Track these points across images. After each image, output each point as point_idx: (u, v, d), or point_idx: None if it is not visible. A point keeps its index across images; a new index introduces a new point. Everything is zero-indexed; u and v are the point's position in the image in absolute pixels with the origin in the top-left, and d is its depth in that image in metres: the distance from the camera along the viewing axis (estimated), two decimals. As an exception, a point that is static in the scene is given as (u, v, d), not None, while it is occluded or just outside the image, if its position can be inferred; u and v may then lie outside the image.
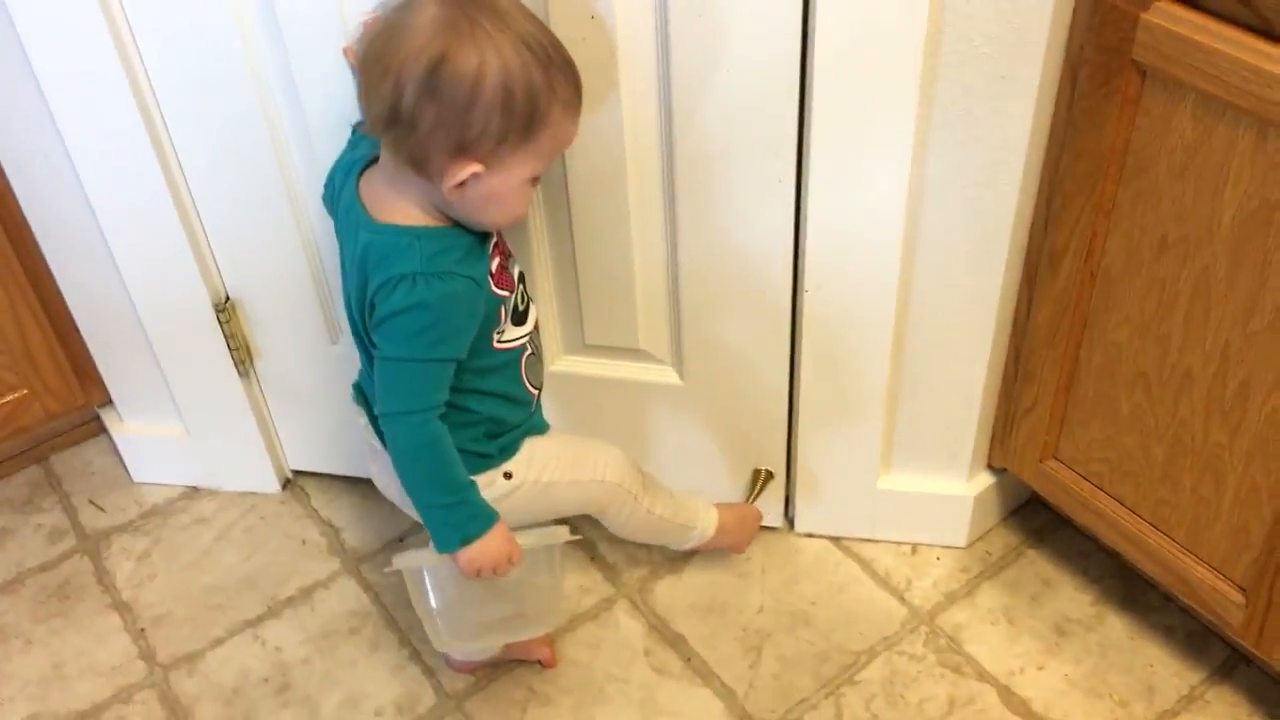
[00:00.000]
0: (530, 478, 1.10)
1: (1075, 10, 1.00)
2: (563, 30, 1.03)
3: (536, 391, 1.11)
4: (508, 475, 1.09)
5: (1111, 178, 1.05)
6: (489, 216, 0.96)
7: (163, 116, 1.19)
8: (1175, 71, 0.94)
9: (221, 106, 1.17)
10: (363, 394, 1.11)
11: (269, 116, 1.17)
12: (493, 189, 0.92)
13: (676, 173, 1.12)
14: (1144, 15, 0.94)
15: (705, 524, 1.30)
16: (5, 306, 1.36)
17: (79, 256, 1.33)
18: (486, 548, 1.01)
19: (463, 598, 1.12)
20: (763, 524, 1.41)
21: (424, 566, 1.10)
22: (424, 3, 0.88)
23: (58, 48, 1.13)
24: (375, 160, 0.99)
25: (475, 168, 0.90)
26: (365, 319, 0.97)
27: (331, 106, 1.12)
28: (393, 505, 1.31)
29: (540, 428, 1.14)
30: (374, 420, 1.07)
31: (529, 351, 1.08)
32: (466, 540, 1.01)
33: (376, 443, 1.08)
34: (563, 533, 1.11)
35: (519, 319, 1.05)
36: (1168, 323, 1.07)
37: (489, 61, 0.87)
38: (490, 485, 1.08)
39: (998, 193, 1.10)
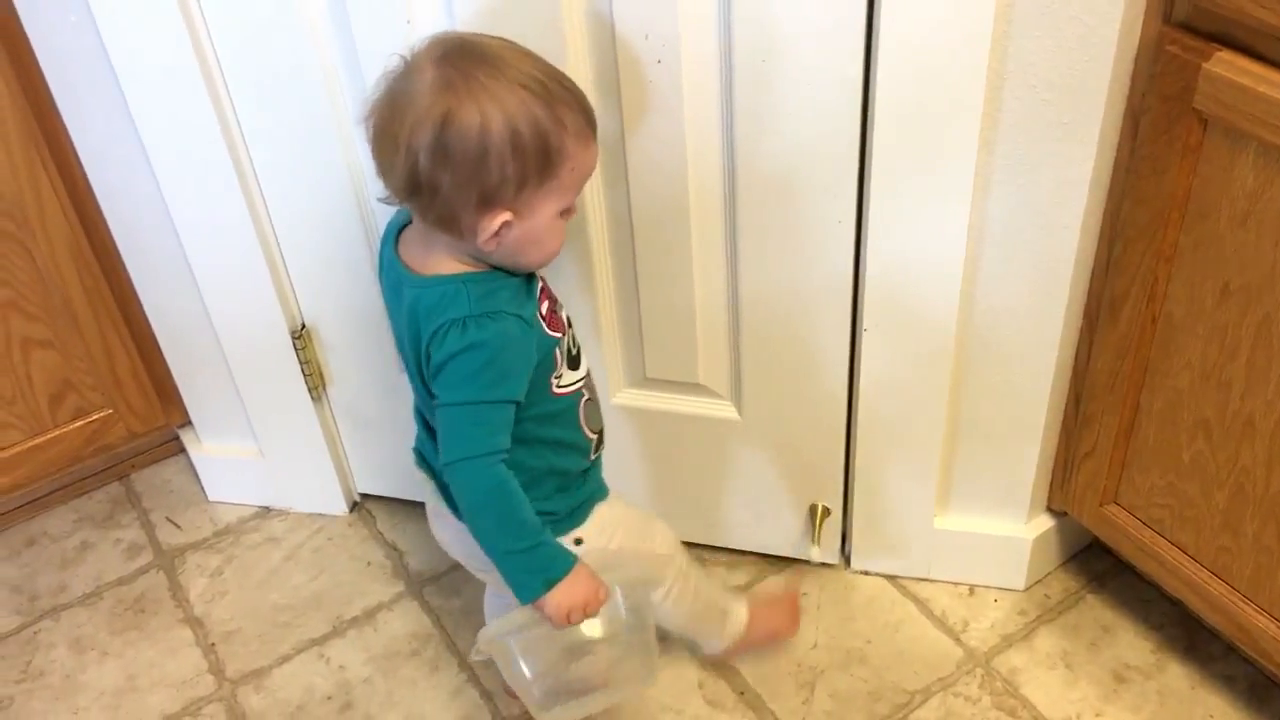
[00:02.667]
0: (599, 544, 1.09)
1: (1137, 59, 1.01)
2: (628, 74, 1.07)
3: (595, 436, 1.09)
4: (578, 541, 1.08)
5: (1173, 224, 1.05)
6: (529, 258, 0.96)
7: (246, 146, 1.25)
8: (1237, 121, 0.94)
9: (301, 136, 1.22)
10: (424, 459, 1.10)
11: (346, 145, 1.22)
12: (526, 232, 0.93)
13: (738, 212, 1.15)
14: (1206, 65, 0.95)
15: (736, 613, 1.27)
16: (95, 331, 1.42)
17: (165, 283, 1.39)
18: (573, 588, 0.98)
19: (554, 660, 1.06)
20: (819, 561, 1.42)
21: (510, 638, 1.04)
22: (420, 68, 0.89)
23: (147, 80, 1.19)
24: (410, 222, 1.00)
25: (504, 216, 0.91)
26: (424, 372, 0.98)
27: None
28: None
29: (603, 490, 1.13)
30: (440, 485, 1.06)
31: (586, 396, 1.07)
32: (550, 583, 0.97)
33: (443, 506, 1.07)
34: (644, 587, 1.08)
35: (573, 363, 1.05)
36: (1230, 369, 1.06)
37: (490, 113, 0.87)
38: None
39: (1058, 238, 1.11)
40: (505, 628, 1.03)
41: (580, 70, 1.08)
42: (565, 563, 0.99)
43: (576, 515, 1.09)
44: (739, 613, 1.28)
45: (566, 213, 0.96)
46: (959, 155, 1.06)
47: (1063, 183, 1.07)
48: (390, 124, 0.90)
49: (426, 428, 1.06)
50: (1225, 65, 0.94)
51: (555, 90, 0.90)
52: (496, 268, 0.97)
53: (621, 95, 1.08)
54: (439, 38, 0.91)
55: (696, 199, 1.15)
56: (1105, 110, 1.02)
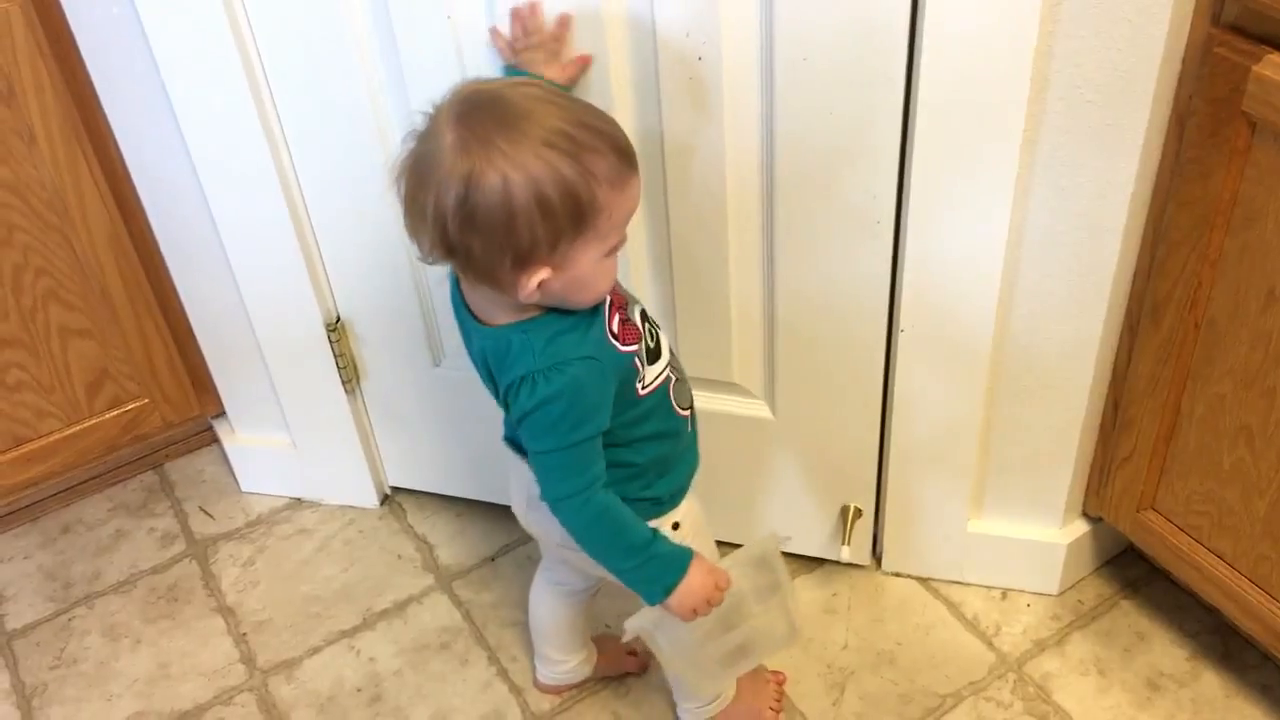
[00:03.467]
0: (689, 536, 1.09)
1: (1184, 61, 1.00)
2: (668, 71, 1.06)
3: (687, 412, 1.08)
4: (675, 525, 1.09)
5: (1219, 228, 1.04)
6: (578, 299, 0.94)
7: (286, 139, 1.25)
8: (1287, 124, 0.93)
9: (339, 130, 1.23)
10: (514, 444, 1.09)
11: (384, 140, 1.22)
12: (569, 281, 0.91)
13: (776, 211, 1.14)
14: (1255, 68, 0.93)
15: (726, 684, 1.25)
16: (132, 321, 1.43)
17: (202, 275, 1.40)
18: (690, 587, 1.00)
19: (697, 639, 1.08)
20: (851, 562, 1.41)
21: (652, 625, 1.07)
22: (440, 130, 0.86)
23: (189, 73, 1.20)
24: None
25: (542, 274, 0.88)
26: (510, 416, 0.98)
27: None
28: (486, 525, 1.35)
29: (697, 460, 1.12)
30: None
31: (674, 379, 1.05)
32: (669, 589, 0.99)
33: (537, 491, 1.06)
34: (771, 541, 1.08)
35: (653, 357, 1.02)
36: (1273, 376, 1.05)
37: (512, 178, 0.84)
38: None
39: (1100, 240, 1.10)
40: (644, 621, 1.05)
41: (620, 66, 1.07)
42: (680, 566, 1.00)
43: (676, 497, 1.09)
44: (727, 688, 1.25)
45: (615, 249, 0.92)
46: (1001, 157, 1.05)
47: (1106, 185, 1.06)
48: (416, 190, 0.88)
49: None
50: (1276, 68, 0.92)
51: (583, 139, 0.86)
52: (552, 309, 0.95)
53: (661, 92, 1.08)
54: (460, 92, 0.88)
55: (734, 197, 1.14)
56: (1151, 112, 1.01)
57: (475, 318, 0.97)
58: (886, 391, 1.26)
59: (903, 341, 1.21)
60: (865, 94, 1.04)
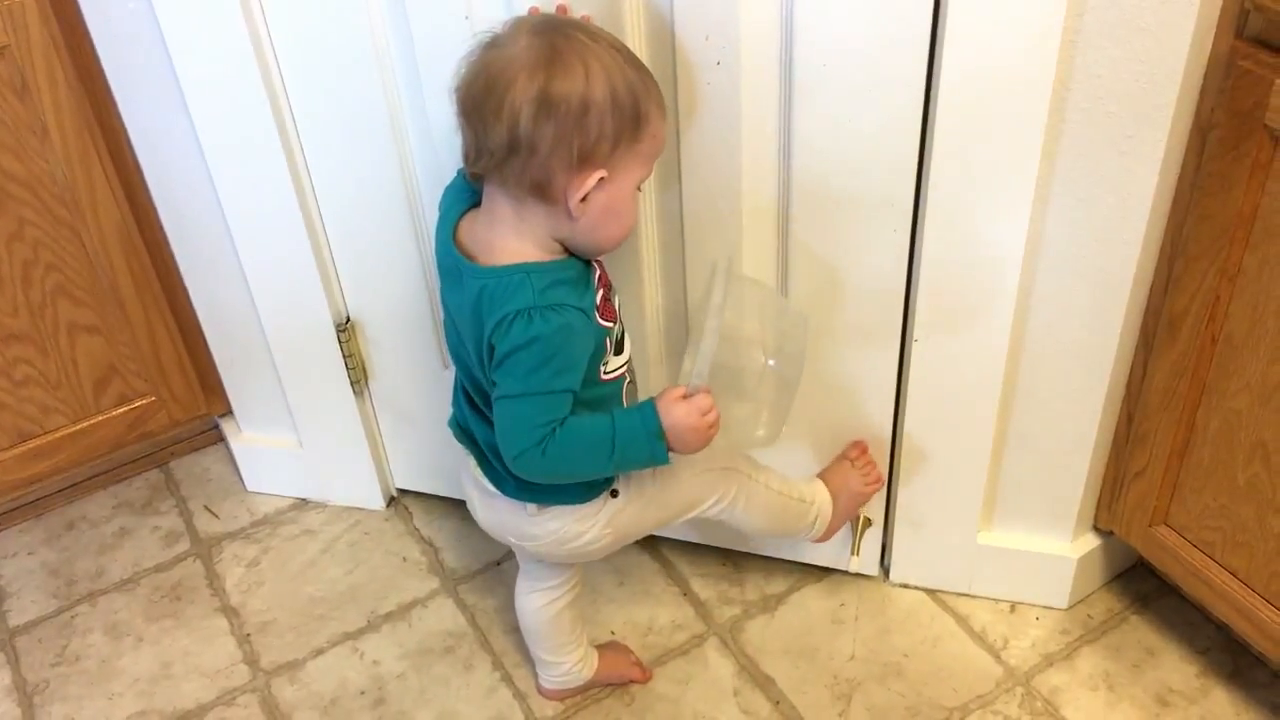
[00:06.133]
0: (638, 487, 1.12)
1: (1206, 73, 0.99)
2: (687, 75, 1.06)
3: None
4: (614, 493, 1.11)
5: (1238, 242, 1.03)
6: (608, 230, 0.98)
7: (299, 138, 1.25)
8: (1310, 139, 0.93)
9: (353, 130, 1.22)
10: (464, 431, 1.13)
11: (398, 139, 1.21)
12: (612, 198, 0.95)
13: (791, 217, 1.14)
14: (1279, 81, 0.93)
15: (819, 496, 1.27)
16: (141, 318, 1.43)
17: (212, 273, 1.39)
18: (678, 428, 0.99)
19: (738, 419, 1.07)
20: (858, 572, 1.40)
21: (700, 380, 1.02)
22: (513, 37, 0.92)
23: (203, 69, 1.20)
24: (464, 214, 1.02)
25: (600, 173, 0.93)
26: (486, 364, 0.99)
27: (459, 136, 1.16)
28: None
29: None
30: (480, 454, 1.10)
31: (629, 379, 1.10)
32: (662, 446, 1.00)
33: (483, 477, 1.11)
34: (719, 267, 1.03)
35: (619, 348, 1.07)
36: (1291, 393, 1.04)
37: (594, 69, 0.90)
38: (600, 510, 1.10)
39: (1117, 253, 1.09)
40: (698, 377, 1.00)
41: (638, 70, 1.07)
42: (651, 421, 0.99)
43: (612, 480, 1.11)
44: (818, 493, 1.28)
45: (642, 181, 0.99)
46: (1020, 166, 1.05)
47: (1125, 197, 1.05)
48: (489, 89, 0.91)
49: (469, 403, 1.08)
50: (1300, 82, 0.92)
51: (638, 61, 0.95)
52: (562, 257, 0.98)
53: (678, 95, 1.07)
54: (525, 16, 0.95)
55: (750, 202, 1.14)
56: (1172, 125, 1.00)
57: (471, 260, 0.99)
58: (899, 400, 1.26)
59: (916, 350, 1.20)
60: (884, 102, 1.04)
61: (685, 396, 1.00)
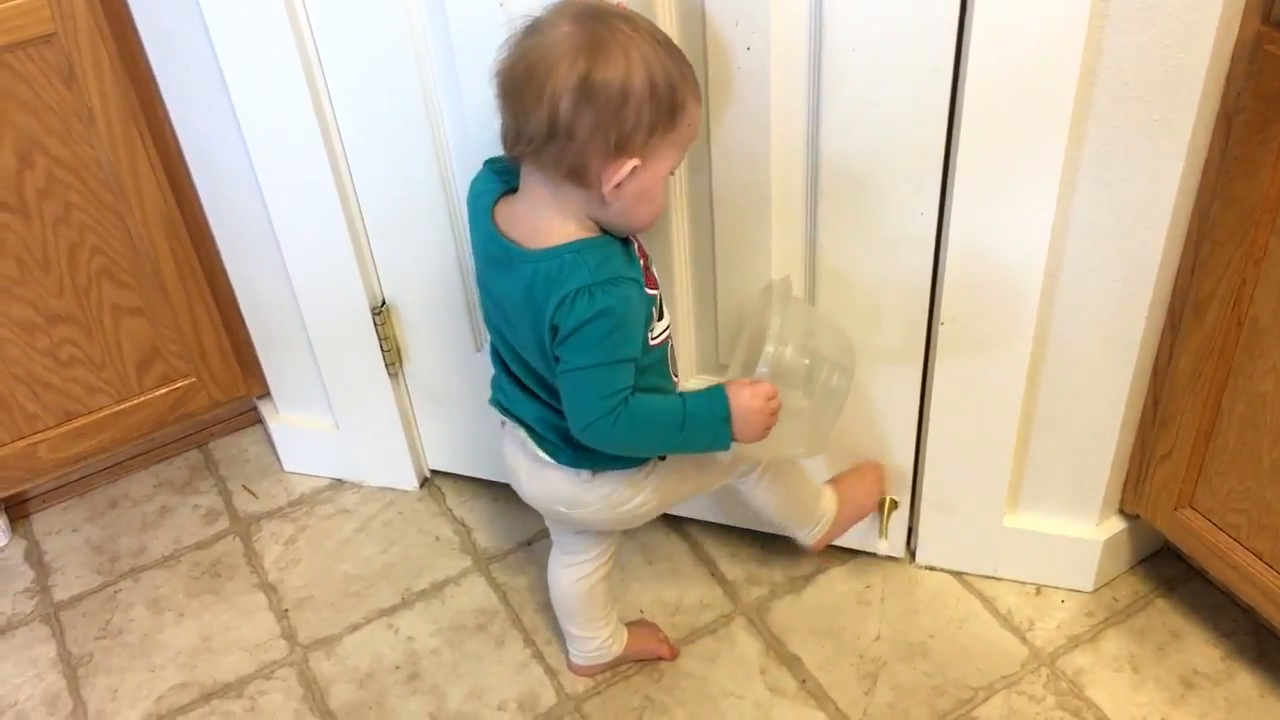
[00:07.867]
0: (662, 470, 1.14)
1: (1233, 58, 1.00)
2: (717, 59, 1.07)
3: (678, 380, 1.14)
4: (662, 456, 1.13)
5: (1265, 226, 1.04)
6: (640, 214, 1.00)
7: (338, 124, 1.27)
8: (1336, 122, 0.93)
9: (390, 116, 1.25)
10: (505, 408, 1.15)
11: (434, 124, 1.24)
12: (644, 183, 0.97)
13: (820, 201, 1.15)
14: (1306, 65, 0.93)
15: (827, 499, 1.33)
16: (183, 301, 1.46)
17: (252, 257, 1.42)
18: (743, 413, 1.03)
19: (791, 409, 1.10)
20: (885, 554, 1.42)
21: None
22: (554, 23, 0.94)
23: (246, 57, 1.23)
24: (497, 201, 1.04)
25: (634, 161, 0.95)
26: (548, 343, 1.01)
27: (494, 121, 1.18)
28: (523, 510, 1.36)
29: None
30: (527, 427, 1.12)
31: (671, 343, 1.12)
32: (727, 431, 1.03)
33: (532, 444, 1.12)
34: (781, 287, 1.10)
35: (660, 315, 1.09)
36: (1317, 375, 1.05)
37: (634, 58, 0.92)
38: (650, 474, 1.13)
39: (1144, 236, 1.10)
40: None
41: (669, 56, 1.08)
42: (720, 413, 1.03)
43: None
44: (828, 498, 1.32)
45: (675, 166, 1.01)
46: (1047, 151, 1.06)
47: (1151, 181, 1.06)
48: (529, 75, 0.93)
49: (516, 383, 1.10)
50: (1326, 65, 0.93)
51: (677, 49, 0.97)
52: (604, 233, 1.01)
53: (709, 80, 1.09)
54: (566, 2, 0.96)
55: (778, 187, 1.15)
56: (1199, 109, 1.01)
57: (519, 245, 1.01)
58: (925, 383, 1.27)
59: (943, 333, 1.21)
60: (912, 86, 1.05)
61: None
